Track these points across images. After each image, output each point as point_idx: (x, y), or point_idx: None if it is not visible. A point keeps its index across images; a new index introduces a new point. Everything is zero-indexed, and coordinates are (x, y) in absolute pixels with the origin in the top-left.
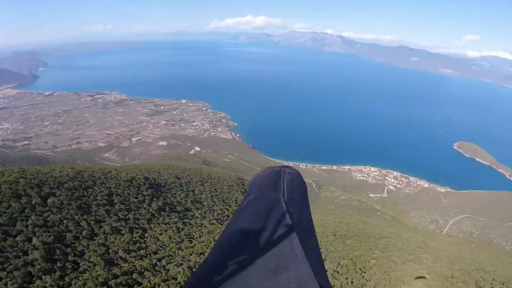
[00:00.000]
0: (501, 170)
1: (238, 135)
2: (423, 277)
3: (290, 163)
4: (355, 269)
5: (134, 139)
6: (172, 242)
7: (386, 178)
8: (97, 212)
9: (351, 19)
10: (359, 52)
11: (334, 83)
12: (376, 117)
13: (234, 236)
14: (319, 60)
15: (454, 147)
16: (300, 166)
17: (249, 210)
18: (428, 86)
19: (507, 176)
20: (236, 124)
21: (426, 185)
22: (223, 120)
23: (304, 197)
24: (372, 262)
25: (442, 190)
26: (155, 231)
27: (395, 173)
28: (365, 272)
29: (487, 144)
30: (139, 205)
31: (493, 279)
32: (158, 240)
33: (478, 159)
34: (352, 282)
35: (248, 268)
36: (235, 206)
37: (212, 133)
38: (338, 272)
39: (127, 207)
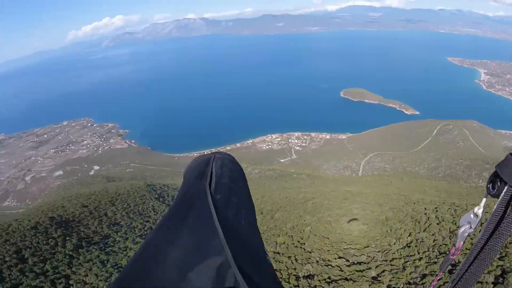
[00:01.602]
0: (390, 105)
1: (133, 141)
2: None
3: (195, 154)
4: (293, 244)
5: (28, 178)
6: (100, 280)
7: (289, 140)
8: (10, 276)
9: None
10: (225, 30)
11: (205, 65)
12: (259, 87)
13: (149, 246)
14: (186, 46)
15: (341, 95)
16: (205, 153)
17: (170, 212)
18: (299, 46)
19: (398, 108)
20: (127, 131)
21: (328, 137)
22: (112, 130)
23: (238, 181)
24: (307, 230)
25: (344, 137)
26: (80, 275)
27: (296, 134)
28: (304, 243)
29: (370, 85)
30: (52, 251)
31: (425, 208)
32: (86, 283)
33: (366, 101)
34: (296, 260)
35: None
36: (154, 215)
37: (106, 147)
38: (279, 253)
39: (41, 257)
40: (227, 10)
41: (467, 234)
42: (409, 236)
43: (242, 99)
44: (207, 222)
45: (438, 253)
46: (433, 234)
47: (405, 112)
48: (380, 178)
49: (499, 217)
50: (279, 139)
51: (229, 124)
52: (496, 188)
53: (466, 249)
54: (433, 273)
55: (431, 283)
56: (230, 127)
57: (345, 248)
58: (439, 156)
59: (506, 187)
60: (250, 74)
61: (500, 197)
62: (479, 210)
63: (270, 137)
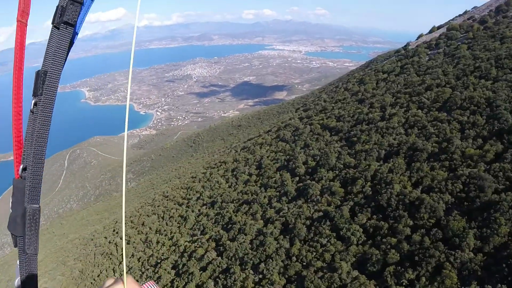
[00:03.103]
0: (11, 158)
1: None
2: None
3: None
4: None
5: None
6: None
7: None
8: None
9: None
10: None
11: None
12: None
13: None
14: None
15: None
16: None
17: None
18: None
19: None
20: None
21: None
22: None
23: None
24: None
25: None
26: None
27: None
28: None
29: None
30: None
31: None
32: None
33: None
34: None
35: None
36: None
37: None
38: None
39: None
40: None
41: (18, 283)
42: None
43: None
44: None
45: None
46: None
47: None
48: (41, 237)
49: (24, 262)
50: None
51: None
52: (16, 240)
53: None
54: None
55: None
56: None
57: None
58: (82, 183)
59: (18, 239)
60: None
61: (19, 247)
62: (17, 268)
63: None
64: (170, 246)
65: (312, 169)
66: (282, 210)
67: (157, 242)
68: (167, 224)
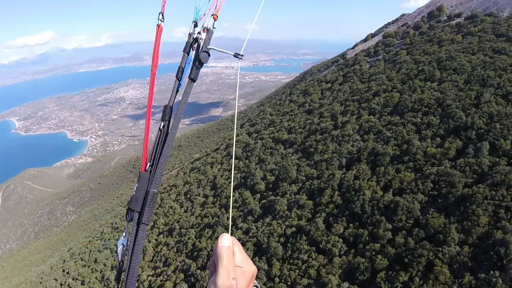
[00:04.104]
0: None
1: None
2: None
3: None
4: None
5: None
6: None
7: None
8: None
9: None
10: None
11: None
12: None
13: None
14: None
15: None
16: None
17: None
18: None
19: None
20: None
21: None
22: None
23: None
24: None
25: None
26: None
27: None
28: None
29: None
30: None
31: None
32: None
33: None
34: None
35: None
36: None
37: None
38: None
39: None
40: None
41: (123, 250)
42: None
43: None
44: None
45: None
46: None
47: None
48: None
49: (135, 231)
50: None
51: None
52: (130, 215)
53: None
54: None
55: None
56: None
57: None
58: (19, 220)
59: (134, 213)
60: None
61: (133, 220)
62: (126, 233)
63: None
64: None
65: (273, 184)
66: (250, 230)
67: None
68: None
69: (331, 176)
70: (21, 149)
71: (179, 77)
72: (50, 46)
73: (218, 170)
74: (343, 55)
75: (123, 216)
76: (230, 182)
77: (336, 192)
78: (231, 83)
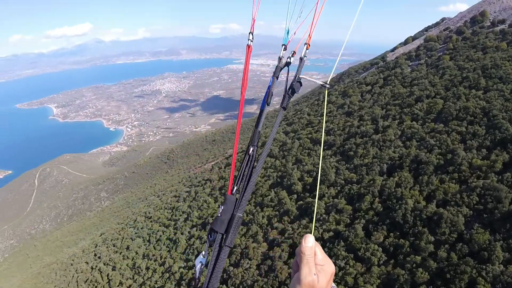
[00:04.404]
0: None
1: None
2: None
3: None
4: None
5: None
6: None
7: None
8: None
9: None
10: None
11: None
12: None
13: None
14: None
15: None
16: None
17: None
18: None
19: None
20: None
21: None
22: None
23: None
24: None
25: None
26: None
27: None
28: None
29: None
30: None
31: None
32: None
33: None
34: None
35: None
36: None
37: None
38: None
39: None
40: None
41: (201, 268)
42: None
43: None
44: None
45: None
46: None
47: None
48: (15, 259)
49: (217, 252)
50: None
51: None
52: (212, 236)
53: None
54: None
55: None
56: None
57: None
58: (54, 203)
59: (217, 235)
60: None
61: (215, 241)
62: (205, 252)
63: None
64: (162, 273)
65: (310, 185)
66: (286, 231)
67: (147, 268)
68: (155, 248)
69: (372, 181)
70: (58, 135)
71: (268, 102)
72: (88, 38)
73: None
74: (382, 57)
75: (156, 207)
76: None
77: (377, 199)
78: (266, 80)
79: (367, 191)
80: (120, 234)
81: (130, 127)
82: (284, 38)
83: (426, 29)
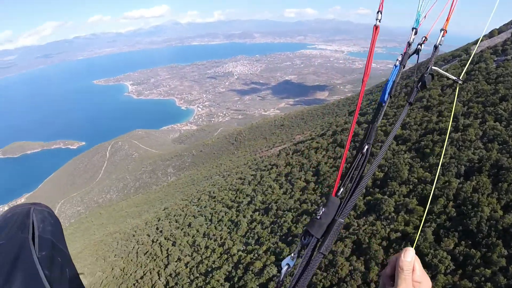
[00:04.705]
0: (55, 146)
1: None
2: None
3: None
4: None
5: None
6: None
7: None
8: None
9: None
10: None
11: None
12: None
13: None
14: None
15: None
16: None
17: None
18: None
19: (63, 147)
20: None
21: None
22: None
23: (59, 237)
24: None
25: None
26: None
27: None
28: None
29: (28, 134)
30: None
31: (135, 232)
32: None
33: (29, 152)
34: None
35: None
36: None
37: None
38: None
39: None
40: None
41: (287, 271)
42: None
43: None
44: (35, 284)
45: None
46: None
47: (72, 147)
48: (80, 225)
49: (308, 257)
50: None
51: None
52: (307, 239)
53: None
54: None
55: None
56: None
57: None
58: (122, 175)
59: (312, 239)
60: None
61: (309, 245)
62: (295, 255)
63: None
64: (221, 254)
65: (381, 181)
66: (351, 226)
67: (206, 247)
68: (215, 228)
69: (447, 183)
70: (132, 111)
71: (392, 94)
72: (165, 19)
73: (323, 156)
74: (466, 50)
75: (221, 188)
76: (334, 171)
77: (451, 203)
78: (339, 67)
79: (441, 193)
80: (183, 211)
81: (201, 107)
82: (415, 20)
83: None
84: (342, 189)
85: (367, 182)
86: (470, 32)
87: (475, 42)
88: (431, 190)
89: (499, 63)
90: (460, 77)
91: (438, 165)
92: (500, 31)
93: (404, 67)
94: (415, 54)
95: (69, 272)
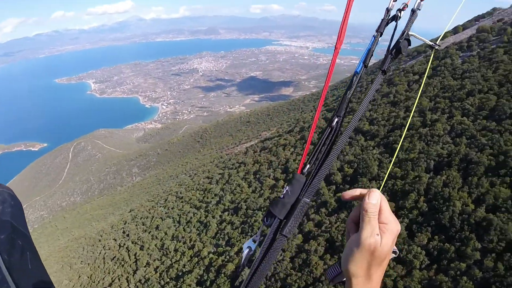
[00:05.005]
0: (16, 148)
1: None
2: None
3: None
4: None
5: None
6: None
7: None
8: None
9: None
10: None
11: None
12: None
13: None
14: None
15: None
16: None
17: None
18: None
19: (25, 149)
20: None
21: None
22: None
23: (19, 219)
24: None
25: None
26: None
27: None
28: None
29: None
30: None
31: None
32: None
33: None
34: None
35: None
36: None
37: None
38: None
39: None
40: None
41: (248, 255)
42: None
43: None
44: None
45: None
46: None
47: (33, 149)
48: (44, 230)
49: (270, 240)
50: None
51: None
52: (269, 220)
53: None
54: None
55: None
56: None
57: None
58: (86, 176)
59: (275, 220)
60: None
61: (271, 227)
62: (256, 237)
63: None
64: (191, 257)
65: (351, 177)
66: (323, 224)
67: (175, 251)
68: (184, 230)
69: (417, 178)
70: (94, 110)
71: (367, 64)
72: (129, 15)
73: (291, 153)
74: (431, 46)
75: (188, 188)
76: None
77: (422, 198)
78: (304, 63)
79: (412, 188)
80: (150, 213)
81: (166, 104)
82: None
83: (477, 18)
84: (308, 166)
85: (335, 159)
86: (434, 28)
87: (442, 38)
88: (401, 186)
89: (465, 59)
90: (437, 42)
91: (408, 160)
92: (464, 27)
93: (381, 35)
94: (393, 22)
95: (30, 256)
